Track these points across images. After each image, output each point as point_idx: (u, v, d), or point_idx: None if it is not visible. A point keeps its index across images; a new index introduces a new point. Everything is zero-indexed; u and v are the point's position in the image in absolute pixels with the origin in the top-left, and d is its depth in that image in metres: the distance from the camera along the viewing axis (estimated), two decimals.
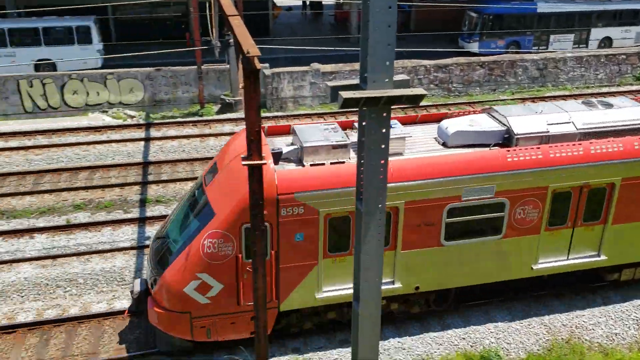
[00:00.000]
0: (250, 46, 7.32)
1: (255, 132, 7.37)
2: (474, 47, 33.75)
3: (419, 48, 31.78)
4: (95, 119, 25.79)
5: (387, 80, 6.65)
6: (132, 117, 26.25)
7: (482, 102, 27.44)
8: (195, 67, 26.20)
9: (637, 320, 13.68)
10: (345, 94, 6.46)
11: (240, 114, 25.09)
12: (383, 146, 6.96)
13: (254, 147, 7.41)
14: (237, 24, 8.46)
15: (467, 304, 13.80)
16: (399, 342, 12.87)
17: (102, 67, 30.01)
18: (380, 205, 7.24)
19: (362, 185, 7.15)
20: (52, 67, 30.13)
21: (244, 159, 7.53)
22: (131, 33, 35.79)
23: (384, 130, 6.90)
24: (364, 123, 6.91)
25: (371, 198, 7.17)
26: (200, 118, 25.67)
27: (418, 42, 33.83)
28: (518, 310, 13.89)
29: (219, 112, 26.29)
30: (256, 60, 7.20)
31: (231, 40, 25.02)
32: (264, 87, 26.70)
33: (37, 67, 30.00)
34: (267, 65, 26.92)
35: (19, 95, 25.50)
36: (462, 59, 28.69)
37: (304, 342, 12.83)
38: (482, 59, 28.79)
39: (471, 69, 28.40)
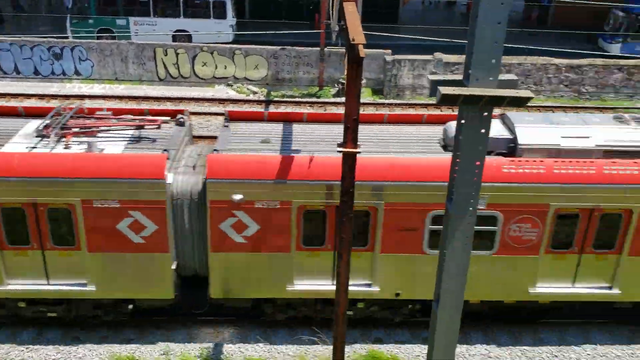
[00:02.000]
0: (357, 33, 7.30)
1: (353, 120, 7.37)
2: (616, 48, 31.34)
3: (552, 47, 30.04)
4: (220, 91, 27.00)
5: (491, 79, 6.35)
6: (254, 92, 27.19)
7: (616, 108, 25.49)
8: (319, 49, 26.57)
9: None
10: (445, 90, 6.26)
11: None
12: (480, 147, 6.69)
13: (349, 134, 7.41)
14: (350, 10, 8.46)
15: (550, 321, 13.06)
16: (486, 349, 12.46)
17: (234, 42, 31.26)
18: (470, 208, 6.99)
19: (453, 184, 6.94)
20: (189, 38, 31.85)
21: (339, 145, 7.57)
22: (263, 11, 36.95)
23: (482, 131, 6.62)
24: (462, 121, 6.68)
25: (461, 199, 6.94)
26: (317, 99, 26.06)
27: (553, 40, 31.93)
28: (621, 335, 12.94)
29: (336, 95, 26.54)
30: (361, 48, 7.17)
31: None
32: (383, 73, 26.54)
33: (174, 38, 31.85)
34: (389, 51, 26.72)
35: (154, 62, 27.27)
36: (598, 61, 26.77)
37: (387, 333, 12.79)
38: (622, 62, 26.68)
39: (608, 71, 26.45)
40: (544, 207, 11.13)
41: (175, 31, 31.88)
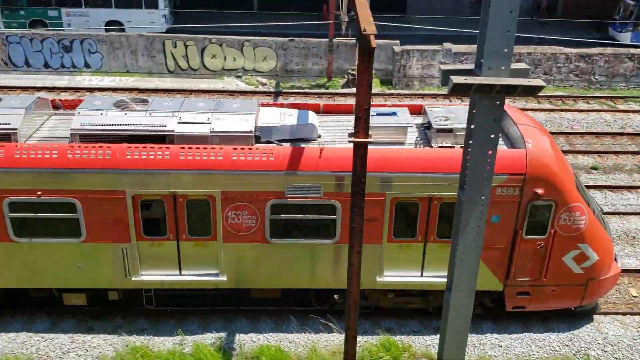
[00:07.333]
0: (368, 24, 7.33)
1: (364, 110, 7.41)
2: (627, 37, 31.05)
3: (562, 36, 29.84)
4: (230, 83, 27.05)
5: (503, 68, 6.38)
6: (263, 84, 27.23)
7: (626, 97, 25.35)
8: (327, 40, 26.55)
9: None
10: (456, 79, 6.30)
11: None
12: (492, 136, 6.73)
13: (361, 124, 7.46)
14: (361, 0, 8.48)
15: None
16: (496, 338, 12.52)
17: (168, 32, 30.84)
18: (483, 197, 7.04)
19: (466, 174, 6.99)
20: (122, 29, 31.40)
21: (350, 135, 7.62)
22: (272, 2, 36.81)
23: (494, 120, 6.66)
24: (474, 110, 6.71)
25: (474, 187, 6.98)
26: (326, 90, 26.07)
27: (564, 29, 31.74)
28: (632, 324, 12.96)
29: (344, 86, 26.53)
30: (372, 39, 7.20)
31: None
32: (391, 64, 26.50)
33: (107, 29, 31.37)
34: (397, 42, 26.67)
35: (163, 54, 27.34)
36: (608, 50, 26.60)
37: (398, 322, 12.87)
38: (632, 51, 26.48)
39: (618, 60, 26.27)
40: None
41: (108, 22, 31.53)
